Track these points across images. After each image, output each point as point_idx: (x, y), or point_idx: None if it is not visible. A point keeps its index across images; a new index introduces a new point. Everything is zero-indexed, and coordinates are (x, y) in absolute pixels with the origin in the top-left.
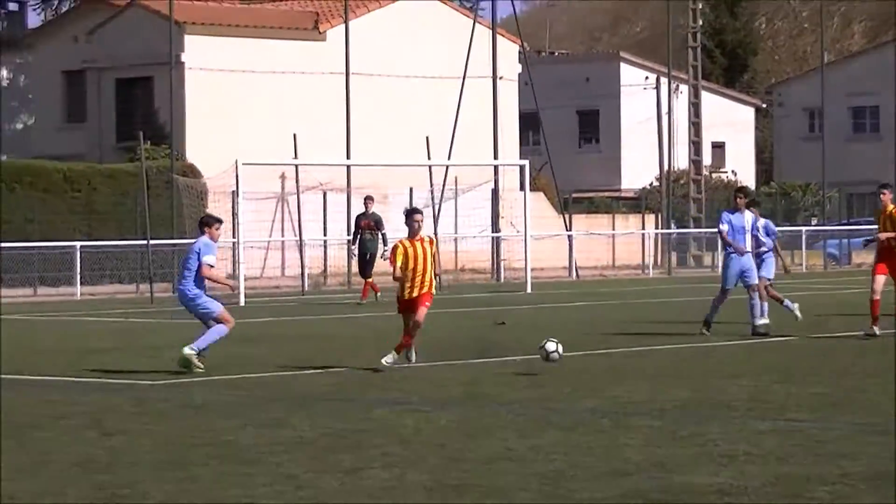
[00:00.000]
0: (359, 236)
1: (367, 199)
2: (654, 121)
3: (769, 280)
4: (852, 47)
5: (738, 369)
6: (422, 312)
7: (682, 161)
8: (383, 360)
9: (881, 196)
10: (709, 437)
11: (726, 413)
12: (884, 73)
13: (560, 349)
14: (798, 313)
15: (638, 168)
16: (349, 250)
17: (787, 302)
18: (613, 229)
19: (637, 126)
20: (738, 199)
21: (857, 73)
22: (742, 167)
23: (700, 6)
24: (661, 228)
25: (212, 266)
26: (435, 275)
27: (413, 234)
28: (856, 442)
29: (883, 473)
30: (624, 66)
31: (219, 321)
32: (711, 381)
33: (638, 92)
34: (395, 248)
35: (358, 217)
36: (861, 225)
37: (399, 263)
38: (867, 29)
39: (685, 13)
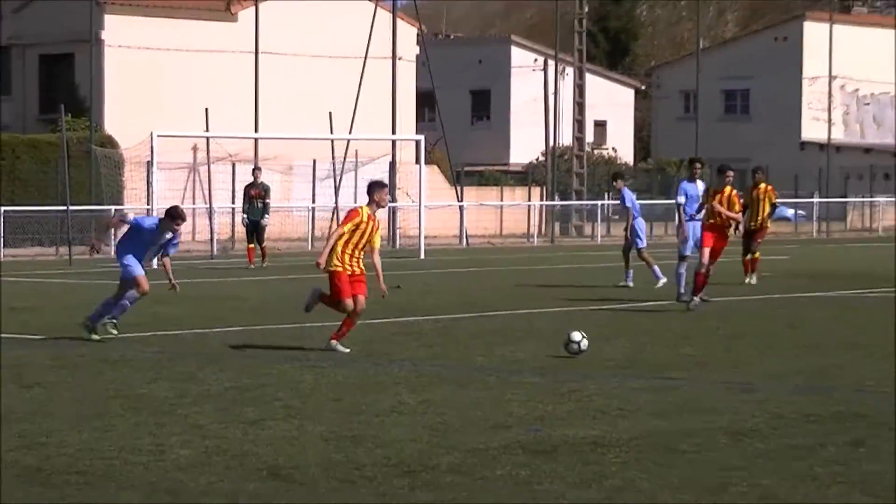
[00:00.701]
0: (248, 205)
1: (256, 170)
2: (542, 100)
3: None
4: (726, 34)
5: (616, 331)
6: (362, 301)
7: (566, 138)
8: (340, 349)
9: (726, 177)
10: (586, 393)
11: (603, 371)
12: (754, 59)
13: (584, 341)
14: (661, 283)
15: (525, 144)
16: (242, 218)
17: (656, 268)
18: (502, 200)
19: (525, 105)
20: (697, 169)
21: (730, 59)
22: (622, 144)
23: None
24: (546, 200)
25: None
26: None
27: (380, 207)
28: (721, 399)
29: (743, 429)
30: (514, 49)
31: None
32: (591, 342)
33: (527, 73)
34: (355, 213)
35: (247, 187)
36: None
37: (347, 227)
38: (740, 18)
39: (572, 0)
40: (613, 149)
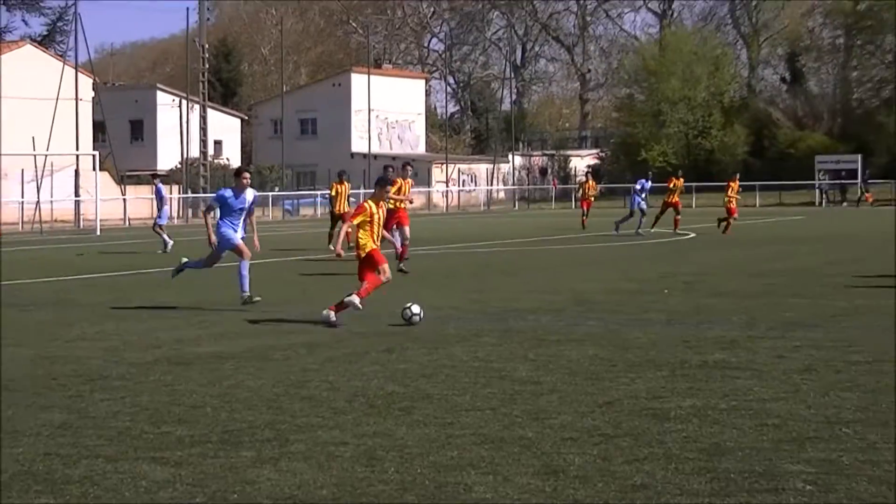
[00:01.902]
0: None
1: None
2: (178, 126)
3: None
4: (300, 82)
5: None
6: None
7: (195, 151)
8: (356, 302)
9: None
10: (210, 323)
11: (227, 308)
12: (319, 98)
13: (419, 311)
14: (168, 249)
15: (167, 156)
16: None
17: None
18: (152, 194)
19: (168, 130)
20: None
21: (304, 98)
22: (234, 156)
23: (207, 56)
24: (182, 194)
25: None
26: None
27: (383, 199)
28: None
29: (317, 342)
30: (159, 93)
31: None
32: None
33: (167, 109)
34: (361, 208)
35: None
36: (304, 191)
37: (357, 221)
38: (309, 71)
39: (198, 60)
40: (227, 158)
